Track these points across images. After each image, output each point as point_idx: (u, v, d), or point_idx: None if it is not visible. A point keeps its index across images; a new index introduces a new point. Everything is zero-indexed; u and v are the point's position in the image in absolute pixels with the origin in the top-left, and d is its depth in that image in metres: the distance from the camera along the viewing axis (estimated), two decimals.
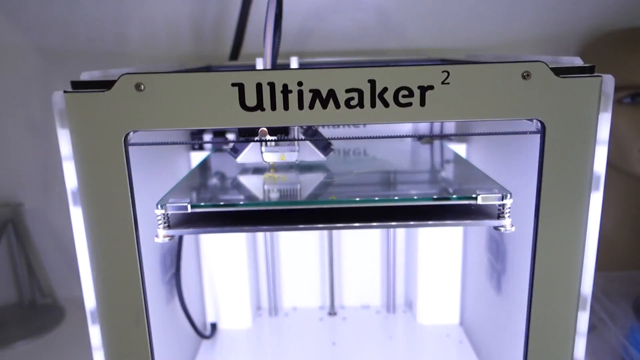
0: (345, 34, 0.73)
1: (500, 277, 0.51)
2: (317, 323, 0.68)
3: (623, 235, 0.72)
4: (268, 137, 0.41)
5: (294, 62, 0.51)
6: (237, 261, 0.65)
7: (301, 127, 0.45)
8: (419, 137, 0.62)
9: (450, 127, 0.61)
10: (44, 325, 0.77)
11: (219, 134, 0.60)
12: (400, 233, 0.69)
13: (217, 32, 0.74)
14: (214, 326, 0.67)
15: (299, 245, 0.71)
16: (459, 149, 0.61)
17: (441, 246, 0.64)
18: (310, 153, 0.47)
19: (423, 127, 0.63)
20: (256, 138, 0.41)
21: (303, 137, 0.45)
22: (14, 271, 0.82)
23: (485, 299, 0.57)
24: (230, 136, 0.60)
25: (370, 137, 0.43)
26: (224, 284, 0.66)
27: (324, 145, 0.48)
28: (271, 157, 0.47)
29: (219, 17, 0.73)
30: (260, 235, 0.69)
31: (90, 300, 0.36)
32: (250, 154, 0.47)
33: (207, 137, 0.60)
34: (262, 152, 0.46)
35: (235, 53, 0.65)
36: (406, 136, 0.59)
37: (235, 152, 0.48)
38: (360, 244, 0.71)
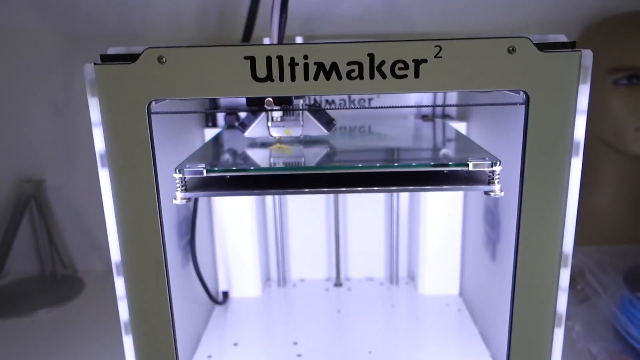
0: (350, 19, 0.76)
1: (495, 246, 0.54)
2: (324, 293, 0.72)
3: (618, 211, 0.75)
4: (274, 107, 0.44)
5: (299, 41, 0.55)
6: (248, 234, 0.69)
7: (306, 104, 0.48)
8: (422, 116, 0.66)
9: (450, 102, 0.65)
10: (65, 296, 0.81)
11: (230, 113, 0.63)
12: (403, 208, 0.73)
13: (229, 17, 0.77)
14: (225, 294, 0.71)
15: (306, 220, 0.74)
16: (460, 127, 0.64)
17: (442, 221, 0.68)
18: (313, 127, 0.50)
19: (425, 102, 0.66)
20: (262, 115, 0.44)
21: (306, 107, 0.49)
22: (36, 244, 0.86)
23: (482, 269, 0.60)
24: (242, 114, 0.63)
25: (366, 108, 0.46)
26: (235, 255, 0.70)
27: (327, 120, 0.51)
28: (277, 131, 0.50)
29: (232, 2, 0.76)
30: (269, 210, 0.73)
31: (115, 253, 0.40)
32: (257, 129, 0.50)
33: (221, 115, 0.64)
34: (268, 127, 0.50)
35: (247, 36, 0.68)
36: (403, 106, 0.62)
37: (244, 126, 0.51)
38: (365, 218, 0.74)
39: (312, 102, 0.56)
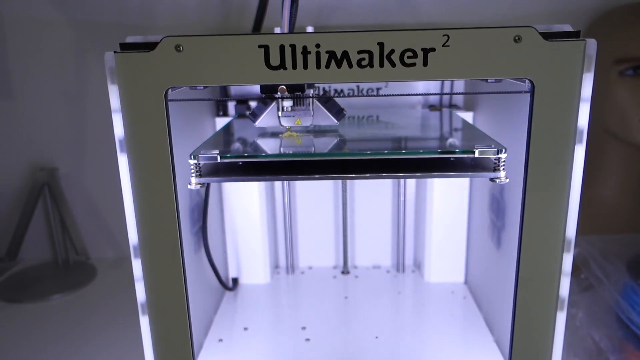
0: (359, 11, 0.77)
1: (500, 234, 0.56)
2: (331, 280, 0.74)
3: (623, 201, 0.76)
4: (284, 95, 0.45)
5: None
6: (257, 222, 0.70)
7: (317, 94, 0.49)
8: (430, 106, 0.67)
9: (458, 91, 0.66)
10: (77, 282, 0.83)
11: (242, 101, 0.64)
12: (409, 196, 0.74)
13: (240, 7, 0.78)
14: (235, 281, 0.72)
15: (314, 209, 0.76)
16: (467, 116, 0.65)
17: (448, 209, 0.69)
18: (323, 117, 0.50)
19: (432, 91, 0.67)
20: (273, 104, 0.45)
21: (316, 96, 0.49)
22: (50, 231, 0.88)
23: (487, 256, 0.61)
24: (253, 104, 0.64)
25: (375, 96, 0.47)
26: (245, 242, 0.71)
27: (337, 110, 0.51)
28: (287, 121, 0.50)
29: None
30: (278, 198, 0.74)
31: (133, 236, 0.41)
32: (268, 118, 0.51)
33: (231, 104, 0.65)
34: (279, 117, 0.50)
35: (257, 26, 0.69)
36: (410, 94, 0.62)
37: (254, 116, 0.51)
38: (373, 207, 0.75)
39: (322, 92, 0.57)
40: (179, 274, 0.42)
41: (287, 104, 0.49)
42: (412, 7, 0.77)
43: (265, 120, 0.51)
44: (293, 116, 0.50)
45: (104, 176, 0.85)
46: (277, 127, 0.52)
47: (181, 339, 0.44)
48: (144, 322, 0.43)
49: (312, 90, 0.49)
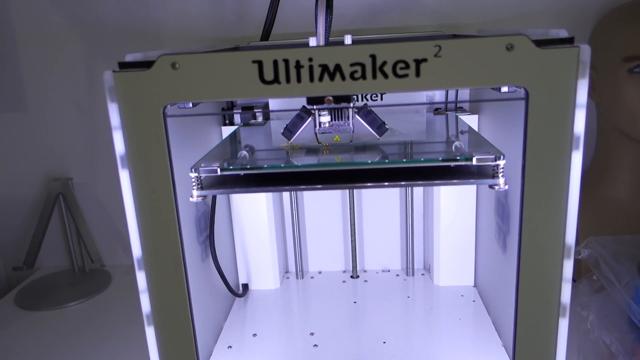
0: (366, 13, 0.77)
1: (506, 237, 0.55)
2: (341, 285, 0.74)
3: (635, 201, 0.75)
4: (314, 107, 0.44)
5: (348, 39, 0.49)
6: (266, 228, 0.71)
7: (356, 107, 0.46)
8: (434, 110, 0.67)
9: (462, 97, 0.66)
10: (93, 288, 0.85)
11: (247, 108, 0.65)
12: (417, 200, 0.74)
13: (246, 15, 0.79)
14: (245, 286, 0.73)
15: (323, 213, 0.76)
16: (472, 119, 0.65)
17: (456, 212, 0.69)
18: (364, 133, 0.47)
19: (438, 99, 0.67)
20: (309, 120, 0.44)
21: (355, 111, 0.46)
22: (66, 240, 0.90)
23: (494, 260, 0.61)
24: (257, 111, 0.65)
25: (378, 106, 0.47)
26: (254, 248, 0.72)
27: (379, 125, 0.47)
28: (325, 138, 0.48)
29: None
30: (287, 204, 0.75)
31: (136, 249, 0.42)
32: (304, 135, 0.47)
33: (235, 112, 0.66)
34: (316, 133, 0.47)
35: (266, 34, 0.69)
36: (410, 104, 0.61)
37: (290, 132, 0.47)
38: (381, 211, 0.75)
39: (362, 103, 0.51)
40: (182, 285, 0.43)
41: (325, 119, 0.46)
42: (417, 9, 0.77)
43: (301, 137, 0.47)
44: (331, 132, 0.47)
45: (117, 185, 0.86)
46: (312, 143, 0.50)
47: (187, 349, 0.45)
48: (150, 332, 0.44)
49: (351, 104, 0.46)
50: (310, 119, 0.46)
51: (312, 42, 0.44)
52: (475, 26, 0.77)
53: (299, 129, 0.46)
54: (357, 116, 0.46)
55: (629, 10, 0.71)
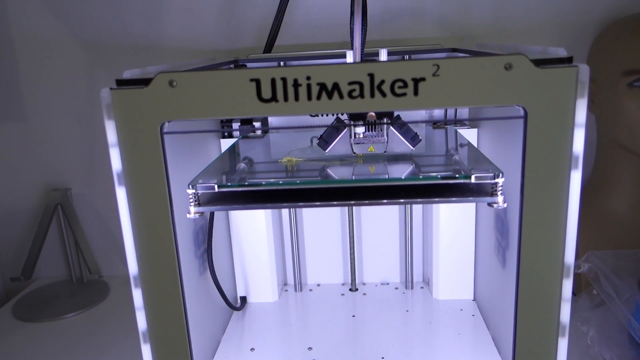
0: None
1: (505, 253, 0.55)
2: (339, 298, 0.74)
3: (635, 215, 0.74)
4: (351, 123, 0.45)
5: (383, 54, 0.52)
6: (264, 240, 0.70)
7: (389, 119, 0.47)
8: (434, 123, 0.67)
9: (461, 114, 0.66)
10: (91, 299, 0.84)
11: (246, 122, 0.65)
12: (417, 214, 0.74)
13: (246, 26, 0.79)
14: (243, 299, 0.73)
15: (322, 226, 0.76)
16: (471, 133, 0.64)
17: (455, 226, 0.68)
18: (398, 144, 0.48)
19: (437, 115, 0.67)
20: (345, 131, 0.44)
21: (387, 124, 0.47)
22: (64, 250, 0.90)
23: (493, 275, 0.61)
24: (256, 124, 0.65)
25: (379, 123, 0.47)
26: (253, 261, 0.72)
27: (412, 136, 0.49)
28: (360, 148, 0.49)
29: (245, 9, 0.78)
30: (285, 217, 0.75)
31: (133, 266, 0.42)
32: (339, 145, 0.49)
33: (235, 125, 0.66)
34: (351, 144, 0.48)
35: (269, 46, 0.69)
36: (411, 122, 0.62)
37: (325, 143, 0.49)
38: (380, 224, 0.75)
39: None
40: (178, 303, 0.43)
41: (360, 130, 0.47)
42: (417, 23, 0.77)
43: (337, 147, 0.49)
44: (365, 143, 0.48)
45: (115, 196, 0.87)
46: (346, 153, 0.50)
47: None
48: (146, 350, 0.44)
49: (385, 119, 0.47)
50: (345, 129, 0.48)
51: (349, 56, 0.46)
52: (476, 39, 0.77)
53: (335, 139, 0.48)
54: (391, 127, 0.47)
55: (630, 23, 0.71)
